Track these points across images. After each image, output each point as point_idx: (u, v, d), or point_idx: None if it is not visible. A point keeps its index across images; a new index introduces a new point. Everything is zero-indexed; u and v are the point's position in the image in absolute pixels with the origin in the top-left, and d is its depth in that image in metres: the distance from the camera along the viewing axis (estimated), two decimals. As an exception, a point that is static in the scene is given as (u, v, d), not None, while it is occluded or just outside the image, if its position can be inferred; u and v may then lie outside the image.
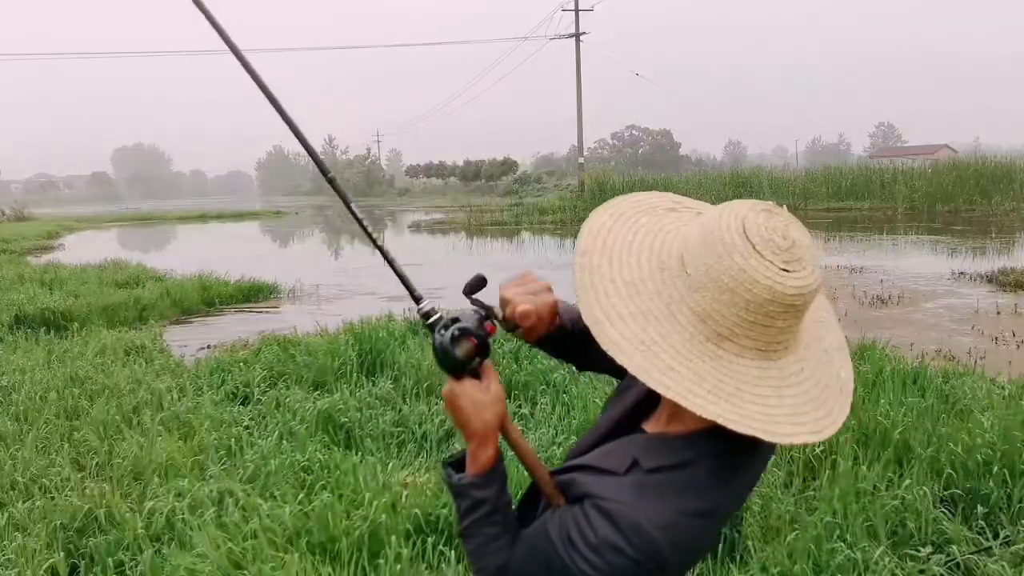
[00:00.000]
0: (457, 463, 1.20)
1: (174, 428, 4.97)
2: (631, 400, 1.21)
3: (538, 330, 1.23)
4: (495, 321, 1.18)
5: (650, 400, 1.16)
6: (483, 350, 1.14)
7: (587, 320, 0.99)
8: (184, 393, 5.86)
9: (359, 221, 1.21)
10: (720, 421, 0.93)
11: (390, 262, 1.22)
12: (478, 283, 1.20)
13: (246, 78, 1.16)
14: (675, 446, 1.04)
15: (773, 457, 1.14)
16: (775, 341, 0.96)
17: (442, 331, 1.13)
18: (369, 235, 1.20)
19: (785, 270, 0.93)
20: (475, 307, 1.18)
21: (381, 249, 1.24)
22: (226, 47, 1.19)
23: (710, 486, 1.02)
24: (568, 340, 1.29)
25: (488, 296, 1.21)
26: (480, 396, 1.12)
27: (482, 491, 1.15)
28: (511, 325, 1.20)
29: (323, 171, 1.25)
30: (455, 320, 1.14)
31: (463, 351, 1.12)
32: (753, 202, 0.99)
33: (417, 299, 1.18)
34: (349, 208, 1.22)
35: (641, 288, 0.99)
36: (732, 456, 1.04)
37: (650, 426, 1.13)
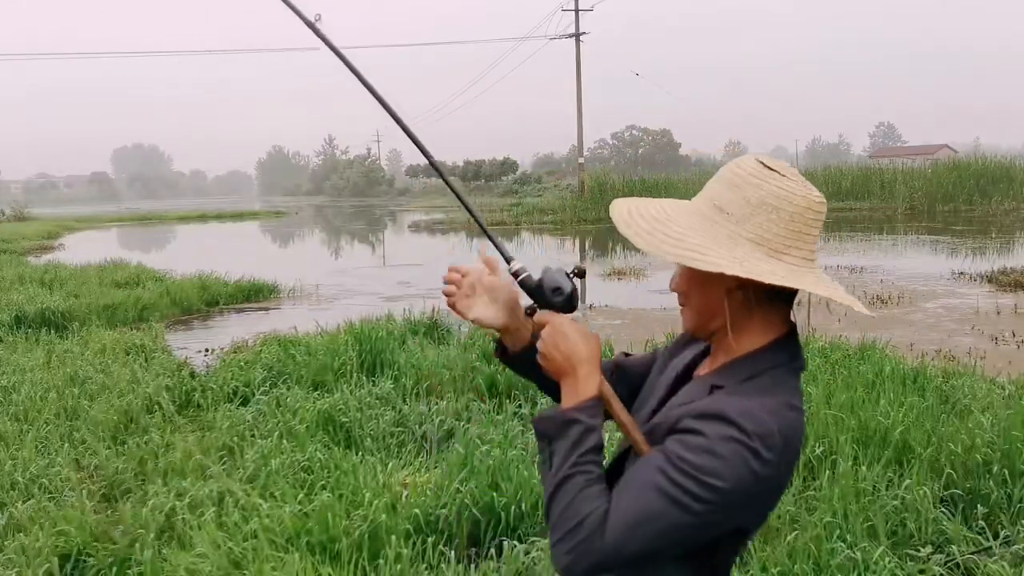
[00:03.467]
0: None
1: (174, 428, 4.97)
2: (670, 377, 1.26)
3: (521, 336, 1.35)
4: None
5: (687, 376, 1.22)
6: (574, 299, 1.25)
7: (675, 258, 1.07)
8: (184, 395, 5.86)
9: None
10: (790, 285, 1.05)
11: (481, 225, 1.35)
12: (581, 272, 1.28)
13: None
14: (743, 365, 1.11)
15: None
16: (811, 249, 1.10)
17: (553, 270, 1.23)
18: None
19: (806, 187, 1.08)
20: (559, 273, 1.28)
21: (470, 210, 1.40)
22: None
23: (788, 386, 1.09)
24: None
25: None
26: (583, 327, 1.18)
27: (594, 418, 1.10)
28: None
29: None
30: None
31: (571, 288, 1.22)
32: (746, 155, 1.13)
33: (508, 259, 1.28)
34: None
35: (699, 228, 1.09)
36: (793, 365, 1.11)
37: (702, 371, 1.19)
